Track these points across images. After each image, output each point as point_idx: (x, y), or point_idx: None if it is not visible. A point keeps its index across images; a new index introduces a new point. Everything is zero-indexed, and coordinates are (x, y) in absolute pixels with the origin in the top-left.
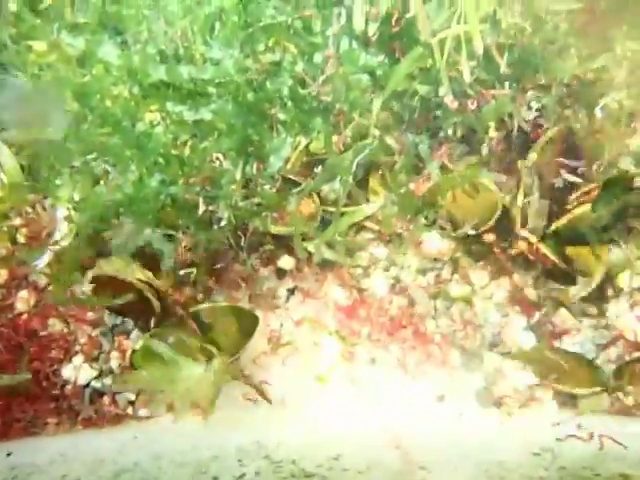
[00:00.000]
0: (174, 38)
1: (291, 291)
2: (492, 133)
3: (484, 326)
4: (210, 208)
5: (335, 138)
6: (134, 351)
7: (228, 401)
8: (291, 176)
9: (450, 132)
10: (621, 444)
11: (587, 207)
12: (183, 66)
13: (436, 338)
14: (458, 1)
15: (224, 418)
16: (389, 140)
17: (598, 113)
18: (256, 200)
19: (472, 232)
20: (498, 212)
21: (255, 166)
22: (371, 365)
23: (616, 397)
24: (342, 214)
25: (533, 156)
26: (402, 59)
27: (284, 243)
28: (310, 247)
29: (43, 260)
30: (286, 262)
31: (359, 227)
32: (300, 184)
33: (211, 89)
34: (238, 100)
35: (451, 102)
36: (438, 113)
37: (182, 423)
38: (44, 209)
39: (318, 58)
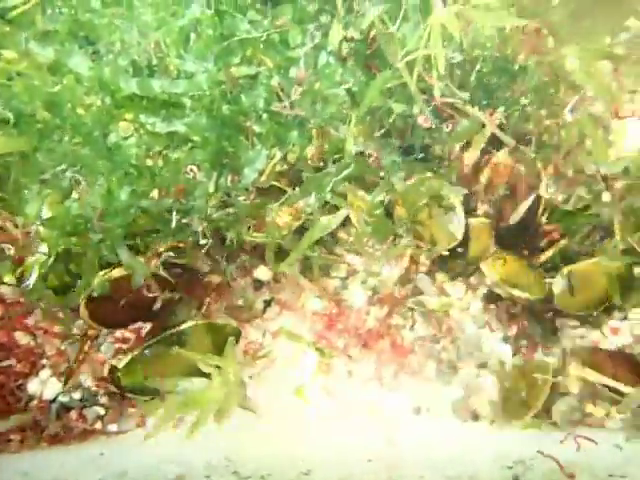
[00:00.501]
0: (147, 49)
1: (268, 302)
2: (471, 154)
3: (461, 338)
4: (184, 221)
5: (312, 151)
6: (115, 367)
7: None
8: (273, 183)
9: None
10: (593, 441)
11: None
12: (155, 79)
13: (413, 349)
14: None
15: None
16: (367, 154)
17: (568, 116)
18: (230, 210)
19: (445, 252)
20: (461, 234)
21: (229, 178)
22: (348, 377)
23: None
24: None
25: (483, 178)
26: (378, 76)
27: (261, 254)
28: (283, 267)
29: (31, 280)
30: (263, 273)
31: (336, 239)
32: (277, 192)
33: (185, 100)
34: (212, 113)
35: (424, 121)
36: (414, 130)
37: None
38: (16, 226)
39: (294, 72)
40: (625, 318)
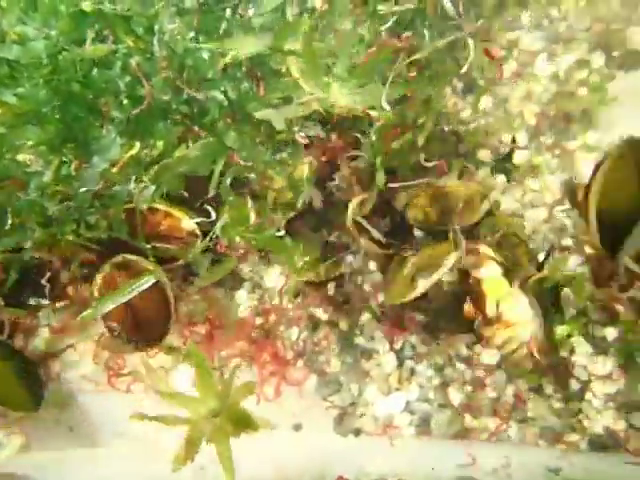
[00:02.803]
0: None
1: None
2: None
3: (347, 350)
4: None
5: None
6: None
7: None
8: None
9: None
10: None
11: None
12: None
13: (298, 364)
14: None
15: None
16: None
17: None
18: (71, 204)
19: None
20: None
21: (74, 166)
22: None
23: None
24: None
25: None
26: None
27: None
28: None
29: None
30: None
31: None
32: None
33: (28, 73)
34: (52, 85)
35: (302, 138)
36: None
37: None
38: None
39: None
40: None
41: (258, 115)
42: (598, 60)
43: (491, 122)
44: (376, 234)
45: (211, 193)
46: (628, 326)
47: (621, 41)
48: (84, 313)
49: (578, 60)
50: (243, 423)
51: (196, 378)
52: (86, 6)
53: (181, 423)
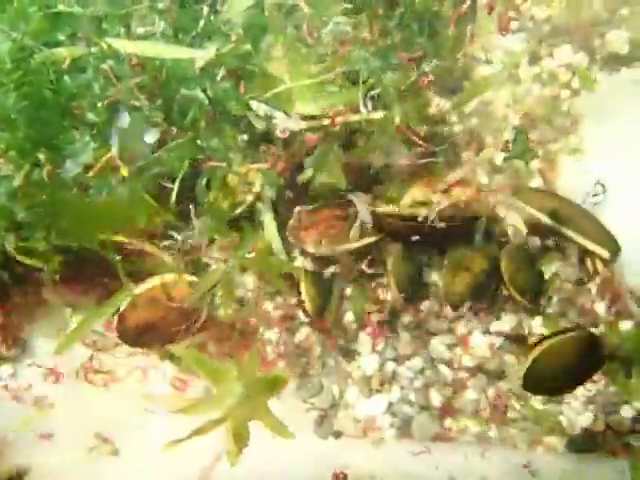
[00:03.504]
0: None
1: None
2: None
3: (328, 352)
4: None
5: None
6: None
7: None
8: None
9: None
10: None
11: None
12: None
13: (279, 364)
14: None
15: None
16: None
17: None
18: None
19: None
20: None
21: (46, 170)
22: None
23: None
24: None
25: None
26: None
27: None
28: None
29: None
30: None
31: None
32: None
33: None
34: (22, 91)
35: (282, 132)
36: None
37: None
38: None
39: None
40: None
41: (253, 106)
42: (581, 62)
43: (475, 124)
44: (364, 214)
45: (174, 196)
46: (608, 327)
47: (603, 43)
48: (58, 344)
49: (561, 62)
50: (272, 386)
51: (208, 379)
52: (60, 7)
53: (217, 425)
